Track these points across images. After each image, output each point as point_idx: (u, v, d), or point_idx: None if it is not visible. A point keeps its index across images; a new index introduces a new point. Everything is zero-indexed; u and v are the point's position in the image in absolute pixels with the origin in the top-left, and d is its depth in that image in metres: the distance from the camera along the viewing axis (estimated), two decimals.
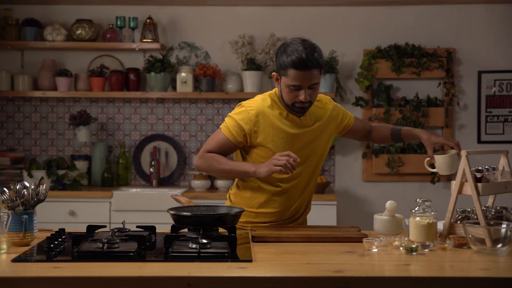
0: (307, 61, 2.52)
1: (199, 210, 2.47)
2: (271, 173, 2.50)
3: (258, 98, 2.72)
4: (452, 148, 2.63)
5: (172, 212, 2.33)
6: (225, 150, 2.68)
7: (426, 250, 2.24)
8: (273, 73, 2.69)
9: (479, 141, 5.05)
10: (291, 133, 2.66)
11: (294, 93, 2.58)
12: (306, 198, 2.81)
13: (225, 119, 2.70)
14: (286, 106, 2.66)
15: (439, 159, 2.60)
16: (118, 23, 4.94)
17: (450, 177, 4.97)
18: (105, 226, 2.48)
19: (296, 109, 2.63)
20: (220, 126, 2.70)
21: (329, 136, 2.78)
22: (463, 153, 2.37)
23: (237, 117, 2.65)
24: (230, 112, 2.74)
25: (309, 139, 2.70)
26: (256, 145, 2.66)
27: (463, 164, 2.36)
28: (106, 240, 2.15)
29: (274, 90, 2.75)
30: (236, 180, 2.83)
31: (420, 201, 2.40)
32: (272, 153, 2.63)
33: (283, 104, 2.66)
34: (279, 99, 2.69)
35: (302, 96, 2.56)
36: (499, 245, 2.18)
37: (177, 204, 2.80)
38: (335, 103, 2.85)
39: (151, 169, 4.96)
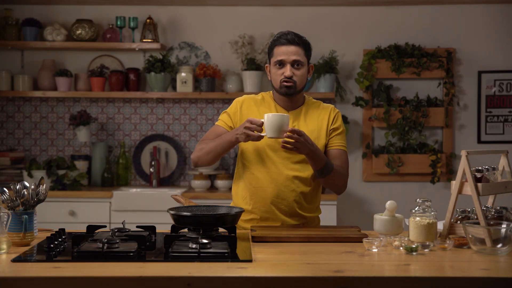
0: (288, 36, 2.73)
1: (199, 210, 2.47)
2: (246, 140, 2.58)
3: (252, 95, 2.90)
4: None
5: (172, 212, 2.33)
6: (216, 134, 2.83)
7: (426, 250, 2.24)
8: (266, 65, 2.85)
9: (479, 141, 5.05)
10: None
11: (280, 71, 2.72)
12: (296, 194, 2.76)
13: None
14: (276, 92, 2.79)
15: (268, 117, 2.51)
16: (118, 23, 4.94)
17: (450, 177, 4.97)
18: (105, 226, 2.48)
19: (283, 88, 2.73)
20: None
21: (316, 137, 2.76)
22: (463, 153, 2.37)
23: (228, 110, 2.88)
24: None
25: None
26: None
27: (463, 164, 2.36)
28: (106, 240, 2.15)
29: (269, 91, 2.91)
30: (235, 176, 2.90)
31: (420, 201, 2.40)
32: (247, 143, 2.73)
33: (275, 91, 2.80)
34: (272, 96, 2.84)
35: (287, 71, 2.70)
36: (499, 245, 2.18)
37: (177, 204, 2.80)
38: (342, 124, 2.85)
39: (151, 169, 4.96)
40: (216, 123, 2.87)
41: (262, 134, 2.55)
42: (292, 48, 2.70)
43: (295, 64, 2.71)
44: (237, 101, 2.86)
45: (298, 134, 2.52)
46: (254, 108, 2.80)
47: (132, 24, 4.95)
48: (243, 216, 2.74)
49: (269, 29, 5.03)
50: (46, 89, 4.99)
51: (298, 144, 2.53)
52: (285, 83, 2.71)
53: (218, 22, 5.10)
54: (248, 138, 2.56)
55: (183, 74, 4.92)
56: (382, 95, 4.98)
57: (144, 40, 4.93)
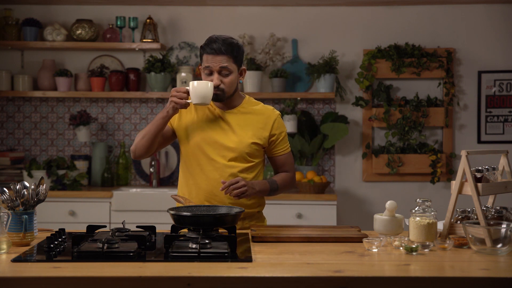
0: (215, 44, 2.71)
1: (199, 210, 2.47)
2: (174, 108, 2.67)
3: None
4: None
5: (172, 212, 2.33)
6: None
7: (426, 250, 2.24)
8: (199, 66, 2.90)
9: (479, 141, 5.05)
10: (201, 120, 2.79)
11: (209, 78, 2.73)
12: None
13: None
14: None
15: (193, 85, 2.63)
16: (118, 23, 4.94)
17: (450, 177, 4.97)
18: (105, 226, 2.48)
19: (213, 96, 2.74)
20: None
21: (251, 136, 2.78)
22: (463, 153, 2.37)
23: None
24: None
25: (224, 131, 2.77)
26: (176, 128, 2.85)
27: (463, 164, 2.37)
28: (106, 240, 2.15)
29: None
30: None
31: (420, 201, 2.40)
32: (183, 135, 2.80)
33: None
34: None
35: (214, 80, 2.71)
36: (499, 245, 2.18)
37: (177, 204, 2.80)
38: (283, 126, 2.87)
39: (151, 169, 4.97)
40: None
41: (188, 101, 2.66)
42: (219, 58, 2.71)
43: (222, 71, 2.72)
44: None
45: (236, 182, 2.62)
46: (192, 106, 2.82)
47: (132, 24, 4.95)
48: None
49: (269, 29, 5.03)
50: (46, 89, 4.99)
51: (244, 188, 2.64)
52: (215, 91, 2.72)
53: (218, 22, 5.10)
54: (176, 105, 2.65)
55: (183, 74, 4.92)
56: (382, 95, 4.98)
57: (144, 40, 4.93)
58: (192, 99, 2.65)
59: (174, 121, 2.84)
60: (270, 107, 2.88)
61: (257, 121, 2.82)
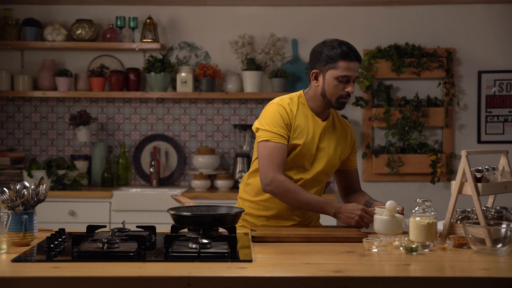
0: (356, 53, 2.67)
1: (199, 210, 2.47)
2: (352, 225, 2.59)
3: (285, 96, 2.75)
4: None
5: (172, 212, 2.33)
6: (284, 154, 2.65)
7: (426, 250, 2.24)
8: (314, 70, 2.71)
9: (479, 141, 5.05)
10: (313, 134, 2.71)
11: (342, 85, 2.64)
12: None
13: (260, 129, 2.68)
14: (326, 103, 2.69)
15: (381, 219, 2.47)
16: (118, 23, 4.94)
17: (450, 177, 4.97)
18: (105, 226, 2.48)
19: (340, 103, 2.68)
20: (263, 139, 2.65)
21: (340, 151, 2.79)
22: (463, 153, 2.37)
23: (271, 115, 2.66)
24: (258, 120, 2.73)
25: (325, 143, 2.74)
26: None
27: (463, 164, 2.36)
28: (106, 240, 2.15)
29: (298, 92, 2.78)
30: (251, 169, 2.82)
31: (420, 201, 2.40)
32: (293, 149, 2.67)
33: (324, 100, 2.69)
34: (303, 101, 2.73)
35: (350, 87, 2.64)
36: (499, 245, 2.18)
37: (177, 204, 2.80)
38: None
39: (151, 169, 4.96)
40: (273, 140, 2.63)
41: (370, 223, 2.61)
42: (357, 65, 2.67)
43: (355, 79, 2.69)
44: (281, 106, 2.68)
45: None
46: (296, 115, 2.70)
47: (132, 24, 4.95)
48: (257, 212, 2.77)
49: (269, 29, 5.03)
50: (46, 89, 4.99)
51: None
52: (345, 99, 2.67)
53: (218, 22, 5.10)
54: (358, 225, 2.58)
55: (183, 74, 4.92)
56: (382, 95, 4.98)
57: (144, 40, 4.93)
58: (375, 228, 2.49)
59: (293, 141, 2.69)
60: (345, 120, 2.88)
61: (345, 135, 2.81)
